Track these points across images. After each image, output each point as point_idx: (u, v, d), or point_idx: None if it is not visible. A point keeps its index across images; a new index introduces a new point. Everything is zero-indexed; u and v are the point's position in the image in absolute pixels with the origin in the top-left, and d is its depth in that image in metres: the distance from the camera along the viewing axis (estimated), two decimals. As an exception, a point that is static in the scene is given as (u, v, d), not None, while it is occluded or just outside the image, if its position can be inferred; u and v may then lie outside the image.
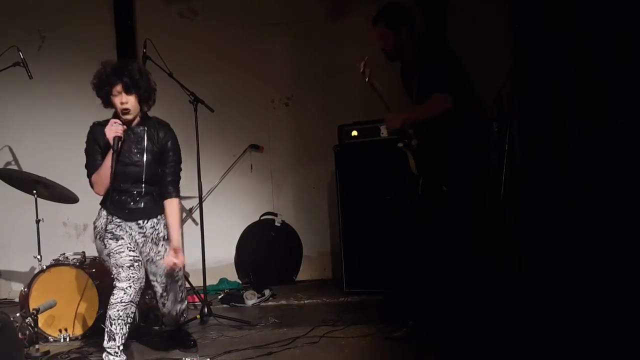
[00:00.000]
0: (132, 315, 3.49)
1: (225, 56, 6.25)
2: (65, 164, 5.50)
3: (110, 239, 3.56)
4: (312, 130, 6.17)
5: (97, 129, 3.61)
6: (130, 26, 6.19)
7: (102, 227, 3.60)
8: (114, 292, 3.47)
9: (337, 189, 5.32)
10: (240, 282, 6.03)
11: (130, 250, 3.54)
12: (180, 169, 3.77)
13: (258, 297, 5.24)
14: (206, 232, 4.82)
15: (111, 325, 3.43)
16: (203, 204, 4.85)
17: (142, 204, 3.64)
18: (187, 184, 5.29)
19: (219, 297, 5.38)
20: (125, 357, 3.49)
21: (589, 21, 4.27)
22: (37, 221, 4.64)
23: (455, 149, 3.52)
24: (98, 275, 4.34)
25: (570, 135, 4.51)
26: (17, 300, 4.87)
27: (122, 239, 3.57)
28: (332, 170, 5.50)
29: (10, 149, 6.12)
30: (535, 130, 4.69)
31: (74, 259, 4.46)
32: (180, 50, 5.92)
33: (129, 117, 3.57)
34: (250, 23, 6.27)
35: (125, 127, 3.54)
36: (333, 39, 6.15)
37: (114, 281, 3.52)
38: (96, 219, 3.66)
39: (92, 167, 3.60)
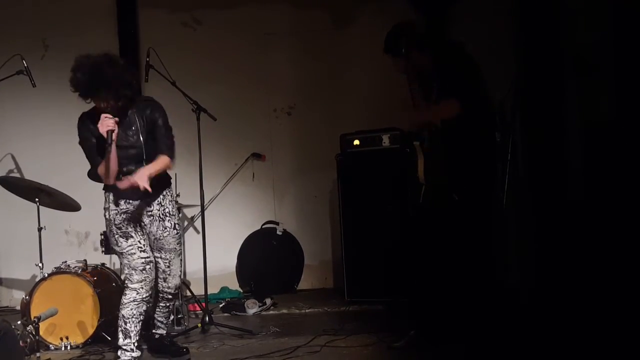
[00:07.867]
0: (143, 313, 3.62)
1: (228, 65, 6.28)
2: (67, 172, 5.50)
3: (120, 236, 3.60)
4: (314, 139, 6.18)
5: (87, 119, 3.57)
6: (133, 35, 6.21)
7: (111, 219, 3.62)
8: (126, 292, 3.58)
9: (339, 198, 5.32)
10: (242, 291, 6.02)
11: (141, 251, 3.59)
12: (172, 135, 3.70)
13: (259, 306, 5.23)
14: (208, 240, 4.81)
15: (126, 323, 3.55)
16: (205, 212, 4.84)
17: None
18: (189, 192, 5.34)
19: (220, 305, 5.37)
20: (140, 353, 3.62)
21: (592, 32, 4.28)
22: (39, 229, 4.64)
23: (470, 158, 3.52)
24: (99, 283, 4.34)
25: (572, 146, 4.51)
26: (18, 308, 4.86)
27: (132, 237, 3.59)
28: (334, 179, 5.49)
29: (13, 157, 6.13)
30: (538, 140, 4.69)
31: (75, 267, 4.46)
32: (183, 59, 5.94)
33: (111, 119, 3.47)
34: (253, 32, 6.30)
35: (116, 119, 3.47)
36: (336, 48, 6.18)
37: (125, 281, 3.64)
38: (105, 207, 3.67)
39: (94, 159, 3.57)
